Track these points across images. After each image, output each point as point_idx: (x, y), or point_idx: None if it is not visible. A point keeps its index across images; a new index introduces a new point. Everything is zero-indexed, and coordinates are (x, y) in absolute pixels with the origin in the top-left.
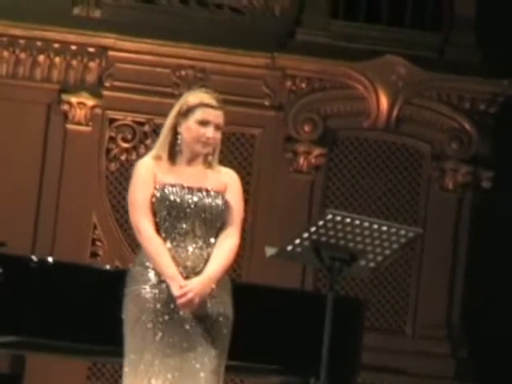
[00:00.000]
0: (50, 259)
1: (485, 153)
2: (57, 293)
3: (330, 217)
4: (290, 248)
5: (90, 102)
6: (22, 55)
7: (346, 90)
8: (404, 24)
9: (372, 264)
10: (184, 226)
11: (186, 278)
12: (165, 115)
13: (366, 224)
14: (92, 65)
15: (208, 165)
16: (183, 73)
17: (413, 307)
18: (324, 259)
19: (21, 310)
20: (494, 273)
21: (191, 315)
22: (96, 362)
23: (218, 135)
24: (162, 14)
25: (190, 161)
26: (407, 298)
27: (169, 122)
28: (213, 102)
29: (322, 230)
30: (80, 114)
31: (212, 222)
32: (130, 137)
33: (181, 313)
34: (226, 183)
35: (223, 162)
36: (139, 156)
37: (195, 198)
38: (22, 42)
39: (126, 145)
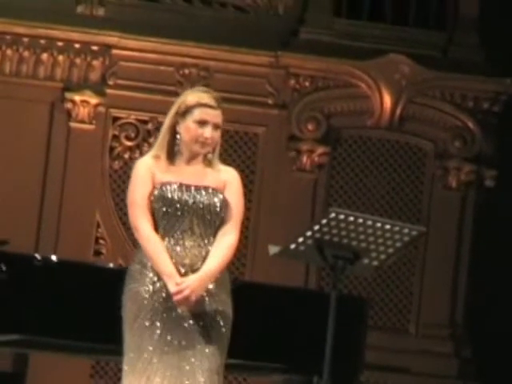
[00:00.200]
0: (54, 257)
1: (488, 151)
2: (60, 291)
3: (333, 215)
4: (293, 246)
5: (94, 100)
6: (26, 53)
7: (349, 88)
8: (408, 23)
9: (375, 262)
10: (182, 223)
11: (184, 275)
12: None
13: (370, 222)
14: (95, 63)
15: (208, 163)
16: (187, 71)
17: (416, 306)
18: (327, 258)
19: (24, 309)
20: (498, 272)
21: (189, 313)
22: (99, 361)
23: (217, 135)
24: (165, 12)
25: (190, 160)
26: (410, 297)
27: (167, 122)
28: (211, 101)
29: (325, 229)
30: (83, 112)
31: (211, 219)
32: (133, 135)
33: (179, 311)
34: (225, 181)
35: (226, 160)
36: (142, 154)
37: (194, 196)
38: (25, 40)
39: (129, 143)
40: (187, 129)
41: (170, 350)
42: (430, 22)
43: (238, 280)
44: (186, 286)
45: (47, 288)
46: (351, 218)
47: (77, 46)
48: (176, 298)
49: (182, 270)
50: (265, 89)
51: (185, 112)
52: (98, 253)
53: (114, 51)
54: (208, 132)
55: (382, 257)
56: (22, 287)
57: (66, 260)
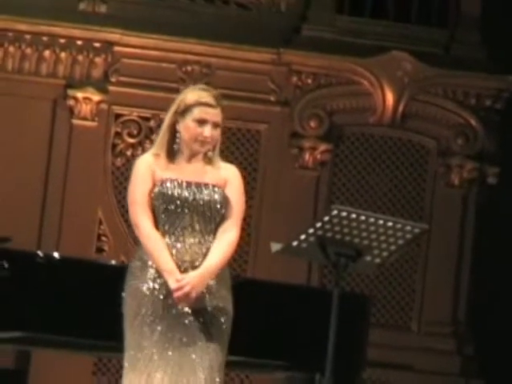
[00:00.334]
0: (56, 254)
1: (490, 149)
2: (62, 288)
3: (335, 212)
4: (295, 244)
5: (96, 97)
6: (28, 50)
7: (351, 85)
8: (410, 20)
9: (377, 260)
10: (183, 220)
11: (185, 272)
12: None
13: (372, 220)
14: (98, 60)
15: (208, 160)
16: (189, 68)
17: (418, 303)
18: (329, 255)
19: (26, 306)
20: (500, 269)
21: (190, 310)
22: (101, 358)
23: (217, 133)
24: (167, 9)
25: (190, 158)
26: (413, 295)
27: (167, 121)
28: (210, 99)
29: (327, 226)
30: (86, 109)
31: (211, 216)
32: (135, 132)
33: (179, 307)
34: (225, 178)
35: (228, 157)
36: (145, 151)
37: (194, 193)
38: (27, 37)
39: (131, 140)
40: (187, 128)
41: (170, 347)
42: (432, 20)
43: (240, 277)
44: (186, 282)
45: (49, 285)
46: (353, 216)
47: (79, 43)
48: (176, 294)
49: (183, 267)
50: (267, 86)
51: (184, 111)
52: (100, 250)
53: (116, 48)
54: (207, 131)
55: (385, 254)
56: (24, 284)
57: (68, 257)
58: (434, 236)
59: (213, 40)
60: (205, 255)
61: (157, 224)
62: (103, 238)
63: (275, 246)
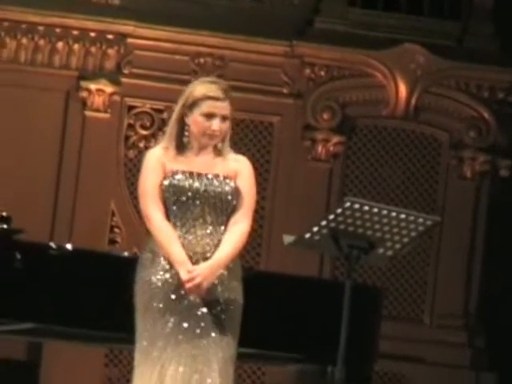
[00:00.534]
0: (69, 246)
1: (503, 141)
2: (75, 280)
3: (348, 205)
4: (308, 236)
5: (109, 89)
6: (41, 42)
7: (364, 78)
8: (423, 12)
9: (390, 252)
10: (194, 212)
11: (196, 263)
12: None
13: (384, 212)
14: (111, 52)
15: (218, 152)
16: (202, 60)
17: (430, 296)
18: (342, 247)
19: (38, 297)
20: None
21: (201, 301)
22: (113, 349)
23: (225, 126)
24: (180, 1)
25: (199, 151)
26: (425, 287)
27: (175, 114)
28: (218, 93)
29: (340, 218)
30: (98, 100)
31: (222, 208)
32: (148, 124)
33: (191, 298)
34: (236, 169)
35: (241, 149)
36: (157, 143)
37: (205, 184)
38: (40, 28)
39: (144, 132)
40: (195, 122)
41: (184, 339)
42: (444, 12)
43: (252, 269)
44: (197, 273)
45: (62, 277)
46: (366, 208)
47: (92, 34)
48: (188, 285)
49: (194, 259)
50: (280, 78)
51: (192, 104)
52: (112, 241)
53: (130, 40)
54: (216, 125)
55: (397, 246)
56: (36, 276)
57: (80, 249)
58: (447, 228)
59: (226, 32)
60: (216, 247)
61: (168, 216)
62: (116, 230)
63: (288, 239)
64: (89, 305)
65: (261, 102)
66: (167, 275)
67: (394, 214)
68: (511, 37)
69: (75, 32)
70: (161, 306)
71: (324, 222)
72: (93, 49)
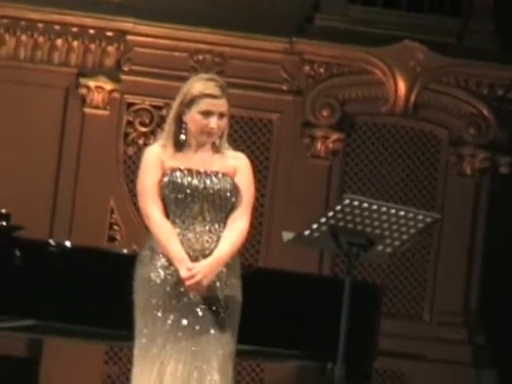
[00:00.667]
0: (68, 243)
1: (502, 138)
2: (74, 277)
3: (347, 202)
4: (307, 233)
5: (108, 86)
6: (41, 39)
7: (364, 75)
8: (423, 9)
9: (389, 249)
10: (193, 209)
11: (195, 261)
12: None
13: (384, 209)
14: (110, 49)
15: (216, 149)
16: (201, 57)
17: (430, 293)
18: (341, 244)
19: (38, 294)
20: None
21: (201, 298)
22: (113, 347)
23: (223, 122)
24: None
25: (197, 148)
26: (424, 284)
27: (173, 112)
28: (215, 90)
29: (339, 215)
30: (98, 98)
31: (221, 205)
32: (147, 121)
33: (191, 295)
34: (235, 166)
35: (240, 146)
36: (157, 140)
37: (203, 182)
38: (40, 25)
39: (143, 129)
40: (193, 120)
41: (183, 336)
42: (444, 9)
43: (252, 266)
44: (197, 271)
45: (61, 274)
46: (365, 205)
47: (91, 31)
48: (188, 283)
49: (193, 256)
50: (279, 75)
51: (189, 102)
52: (112, 239)
53: (129, 37)
54: (213, 122)
55: (396, 243)
56: (36, 273)
57: (80, 246)
58: (446, 225)
59: (225, 29)
60: (215, 244)
61: (167, 213)
62: (115, 227)
63: (287, 236)
64: (88, 302)
65: (260, 98)
66: (166, 272)
67: (393, 211)
68: (511, 34)
69: (75, 29)
70: (160, 303)
71: (323, 219)
72: (92, 46)
